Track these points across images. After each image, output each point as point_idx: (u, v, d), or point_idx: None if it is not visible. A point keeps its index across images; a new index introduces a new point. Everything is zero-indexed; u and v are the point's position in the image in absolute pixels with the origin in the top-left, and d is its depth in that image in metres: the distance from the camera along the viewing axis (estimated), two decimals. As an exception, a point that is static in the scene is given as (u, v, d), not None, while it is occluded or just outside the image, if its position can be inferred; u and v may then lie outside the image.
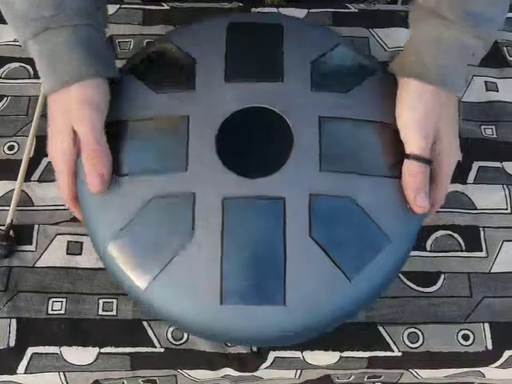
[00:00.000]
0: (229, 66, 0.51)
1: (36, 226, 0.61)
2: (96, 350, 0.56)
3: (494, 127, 0.68)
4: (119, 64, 0.67)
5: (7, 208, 0.60)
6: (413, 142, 0.49)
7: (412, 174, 0.49)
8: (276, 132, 0.49)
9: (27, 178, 0.62)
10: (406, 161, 0.49)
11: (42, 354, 0.56)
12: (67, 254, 0.60)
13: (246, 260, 0.46)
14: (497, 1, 0.49)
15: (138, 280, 0.47)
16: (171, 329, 0.57)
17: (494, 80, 0.70)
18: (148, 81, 0.52)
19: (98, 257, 0.59)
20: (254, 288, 0.46)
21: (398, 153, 0.50)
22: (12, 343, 0.56)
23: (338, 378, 0.60)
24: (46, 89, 0.51)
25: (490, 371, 0.58)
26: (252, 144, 0.53)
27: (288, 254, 0.46)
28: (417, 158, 0.49)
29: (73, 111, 0.49)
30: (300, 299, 0.46)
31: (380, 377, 0.60)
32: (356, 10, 0.74)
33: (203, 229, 0.46)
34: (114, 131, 0.51)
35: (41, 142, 0.64)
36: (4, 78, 0.68)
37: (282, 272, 0.46)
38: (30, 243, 0.60)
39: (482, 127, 0.67)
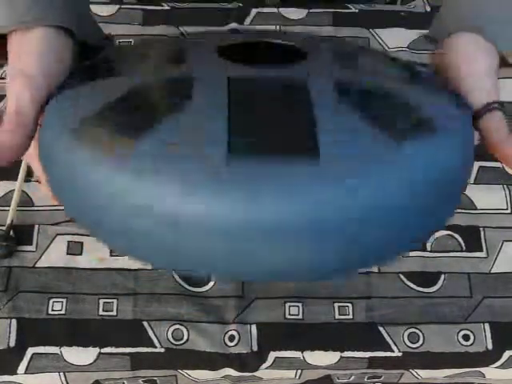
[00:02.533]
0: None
1: (36, 226, 0.61)
2: (96, 350, 0.56)
3: (494, 127, 0.68)
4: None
5: (7, 208, 0.60)
6: (483, 94, 0.39)
7: (501, 124, 0.39)
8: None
9: (27, 178, 0.62)
10: (487, 114, 0.39)
11: (42, 354, 0.56)
12: (67, 254, 0.60)
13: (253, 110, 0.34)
14: None
15: (123, 142, 0.32)
16: (172, 329, 0.57)
17: (494, 80, 0.70)
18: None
19: (98, 257, 0.59)
20: (276, 137, 0.33)
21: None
22: (12, 343, 0.56)
23: (338, 378, 0.60)
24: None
25: (491, 371, 0.58)
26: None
27: (318, 119, 0.34)
28: (495, 105, 0.39)
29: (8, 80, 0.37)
30: (337, 159, 0.32)
31: (380, 377, 0.60)
32: (356, 10, 0.74)
33: (202, 94, 0.35)
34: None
35: (41, 142, 0.64)
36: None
37: (312, 125, 0.33)
38: (31, 243, 0.60)
39: (482, 127, 0.67)
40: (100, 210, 0.34)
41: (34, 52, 0.36)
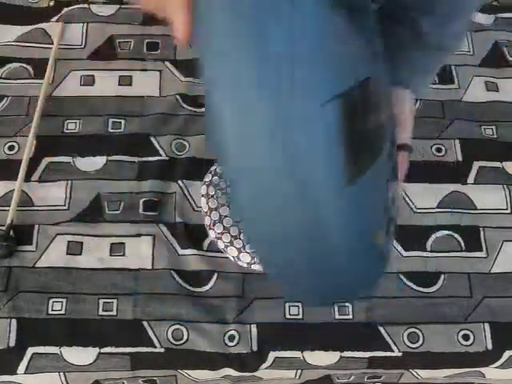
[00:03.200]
0: None
1: (36, 226, 0.60)
2: (96, 350, 0.56)
3: (494, 127, 0.68)
4: (120, 64, 0.67)
5: (7, 208, 0.60)
6: (407, 135, 0.53)
7: (406, 161, 0.53)
8: None
9: (27, 178, 0.62)
10: (401, 152, 0.52)
11: (42, 354, 0.56)
12: (67, 254, 0.60)
13: None
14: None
15: None
16: (171, 329, 0.57)
17: (493, 80, 0.70)
18: None
19: (98, 257, 0.59)
20: None
21: None
22: (12, 343, 0.56)
23: (338, 378, 0.60)
24: None
25: (490, 371, 0.58)
26: None
27: None
28: (409, 149, 0.53)
29: None
30: None
31: (380, 377, 0.60)
32: (356, 10, 0.74)
33: None
34: None
35: (41, 141, 0.64)
36: (4, 78, 0.68)
37: None
38: (31, 243, 0.60)
39: (483, 127, 0.67)
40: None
41: None
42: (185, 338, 0.56)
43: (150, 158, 0.64)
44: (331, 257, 0.40)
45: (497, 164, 0.66)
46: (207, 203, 0.60)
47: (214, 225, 0.59)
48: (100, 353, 0.56)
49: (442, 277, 0.60)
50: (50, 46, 0.70)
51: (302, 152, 0.35)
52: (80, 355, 0.56)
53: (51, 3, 0.73)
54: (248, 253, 0.58)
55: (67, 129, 0.65)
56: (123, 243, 0.60)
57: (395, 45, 0.52)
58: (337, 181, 0.36)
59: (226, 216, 0.59)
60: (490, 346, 0.57)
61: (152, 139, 0.65)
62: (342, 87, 0.36)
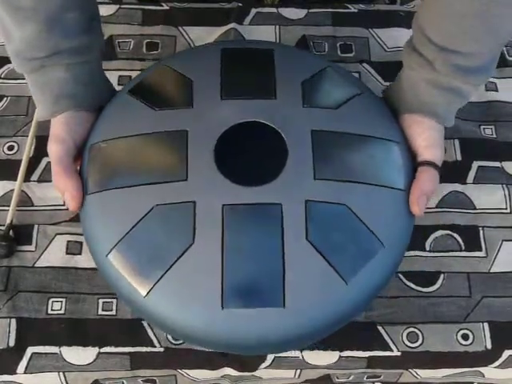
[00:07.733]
0: (224, 86, 0.53)
1: (36, 226, 0.61)
2: (96, 349, 0.56)
3: (493, 127, 0.68)
4: (120, 64, 0.67)
5: (7, 208, 0.60)
6: (435, 153, 0.54)
7: (430, 178, 0.53)
8: (271, 144, 0.51)
9: (27, 178, 0.62)
10: (425, 167, 0.53)
11: (41, 353, 0.56)
12: (67, 253, 0.60)
13: (246, 264, 0.47)
14: (484, 54, 0.53)
15: (139, 286, 0.48)
16: (171, 329, 0.57)
17: (493, 80, 0.70)
18: (146, 100, 0.54)
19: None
20: (254, 291, 0.47)
21: (387, 164, 0.52)
22: (12, 343, 0.56)
23: (337, 377, 0.60)
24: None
25: (490, 371, 0.58)
26: (249, 156, 0.56)
27: (286, 257, 0.47)
28: (436, 167, 0.53)
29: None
30: (299, 301, 0.47)
31: (379, 376, 0.60)
32: (356, 10, 0.74)
33: (203, 235, 0.47)
34: (114, 147, 0.52)
35: (41, 141, 0.64)
36: (4, 78, 0.68)
37: (280, 274, 0.47)
38: (30, 243, 0.60)
39: (482, 127, 0.67)
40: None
41: (64, 123, 0.53)
42: (184, 337, 0.57)
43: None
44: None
45: (496, 164, 0.66)
46: None
47: None
48: (100, 352, 0.56)
49: (442, 276, 0.60)
50: (49, 46, 0.70)
51: None
52: (80, 355, 0.56)
53: (51, 3, 0.73)
54: None
55: (67, 129, 0.65)
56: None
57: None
58: None
59: None
60: (489, 346, 0.57)
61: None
62: None
